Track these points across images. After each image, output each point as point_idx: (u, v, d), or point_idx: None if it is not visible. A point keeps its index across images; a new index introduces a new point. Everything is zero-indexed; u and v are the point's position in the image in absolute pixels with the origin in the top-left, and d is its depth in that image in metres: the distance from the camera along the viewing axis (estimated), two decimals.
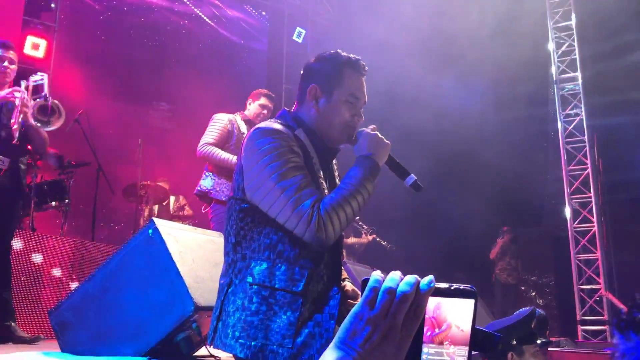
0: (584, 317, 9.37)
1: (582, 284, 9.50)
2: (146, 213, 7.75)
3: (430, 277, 0.85)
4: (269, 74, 12.01)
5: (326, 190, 2.13)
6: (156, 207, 8.10)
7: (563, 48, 10.07)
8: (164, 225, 3.02)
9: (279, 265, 1.97)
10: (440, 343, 0.86)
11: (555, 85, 10.07)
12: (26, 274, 4.96)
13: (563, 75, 10.04)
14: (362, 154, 2.10)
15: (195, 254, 3.08)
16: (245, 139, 2.07)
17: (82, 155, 6.95)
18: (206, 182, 4.73)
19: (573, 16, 9.99)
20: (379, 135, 2.14)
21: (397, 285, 0.83)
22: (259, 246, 2.00)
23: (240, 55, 11.69)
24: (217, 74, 10.58)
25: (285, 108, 2.28)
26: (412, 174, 2.16)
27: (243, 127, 4.82)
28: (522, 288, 10.04)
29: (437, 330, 0.86)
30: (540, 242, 10.33)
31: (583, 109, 9.83)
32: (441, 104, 11.00)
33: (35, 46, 7.74)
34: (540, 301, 9.82)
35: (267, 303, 1.92)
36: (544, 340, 2.91)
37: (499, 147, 11.15)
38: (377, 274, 0.84)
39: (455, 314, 0.86)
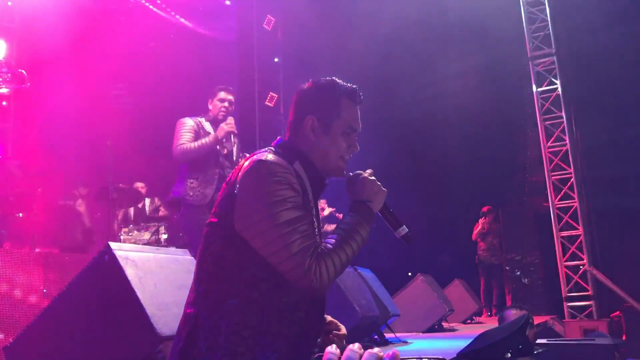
0: (569, 294, 9.33)
1: (566, 261, 9.45)
2: (120, 217, 7.52)
3: (397, 352, 0.78)
4: (240, 64, 11.75)
5: (316, 229, 2.05)
6: (132, 210, 7.87)
7: (536, 24, 9.91)
8: (120, 249, 2.81)
9: (261, 304, 1.86)
10: None
11: (530, 62, 9.92)
12: None
13: (537, 52, 9.90)
14: (358, 198, 2.05)
15: (158, 277, 2.87)
16: (245, 169, 1.95)
17: (48, 161, 6.69)
18: (180, 187, 4.68)
19: None
20: (377, 181, 2.09)
21: None
22: (239, 281, 1.87)
23: (208, 48, 11.36)
24: (185, 66, 10.27)
25: (280, 137, 2.18)
26: (404, 225, 2.10)
27: (208, 128, 4.82)
28: (507, 268, 9.97)
29: None
30: (523, 220, 10.25)
31: (559, 85, 9.71)
32: (417, 82, 10.87)
33: None
34: (526, 280, 9.77)
35: (246, 344, 1.82)
36: (540, 350, 2.72)
37: (477, 127, 11.06)
38: (331, 350, 0.78)
39: None
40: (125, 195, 7.51)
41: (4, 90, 4.16)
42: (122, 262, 2.74)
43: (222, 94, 4.92)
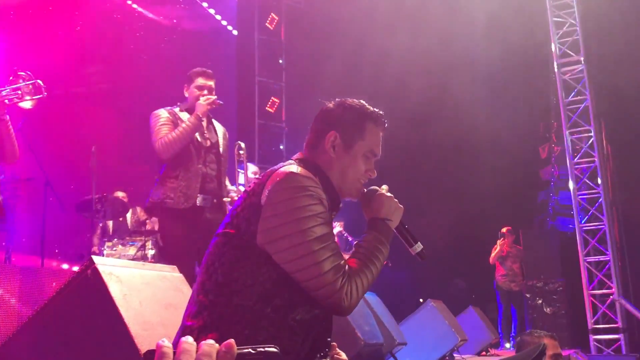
0: (596, 326, 9.34)
1: (593, 289, 9.46)
2: (99, 231, 7.56)
3: (231, 341, 0.81)
4: (239, 65, 11.87)
5: None
6: (110, 224, 7.91)
7: (564, 28, 9.98)
8: (104, 264, 2.89)
9: (273, 320, 1.94)
10: None
11: (556, 70, 9.99)
12: None
13: (564, 59, 9.96)
14: (376, 216, 2.18)
15: (143, 295, 2.95)
16: (275, 179, 2.03)
17: (26, 168, 6.79)
18: (158, 190, 4.50)
19: None
20: (394, 198, 2.22)
21: (192, 357, 0.79)
22: (252, 295, 1.95)
23: (206, 45, 11.50)
24: (180, 67, 10.38)
25: (300, 152, 2.29)
26: (419, 242, 2.24)
27: (185, 117, 4.60)
28: (528, 295, 10.00)
29: None
30: (546, 244, 10.28)
31: (588, 95, 9.76)
32: (432, 92, 10.94)
33: None
34: (548, 309, 9.79)
35: None
36: None
37: (498, 140, 11.10)
38: (164, 343, 0.79)
39: None
40: (110, 206, 7.58)
41: (28, 104, 4.22)
42: (105, 278, 2.82)
43: (200, 80, 4.69)
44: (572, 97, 9.88)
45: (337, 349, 2.24)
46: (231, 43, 12.26)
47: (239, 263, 1.98)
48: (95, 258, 2.87)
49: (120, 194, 8.07)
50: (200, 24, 11.83)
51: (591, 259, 9.53)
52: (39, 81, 4.21)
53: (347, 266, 1.99)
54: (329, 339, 2.14)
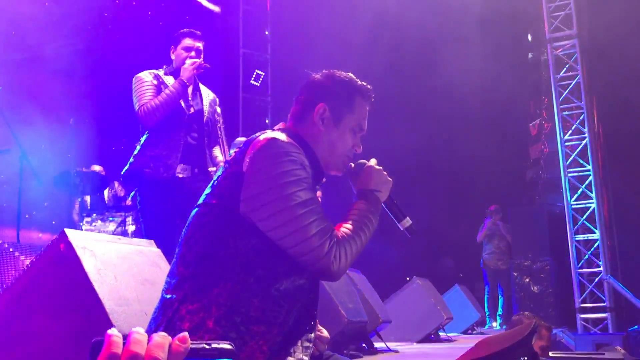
0: (583, 305, 9.44)
1: (581, 268, 9.55)
2: (77, 206, 7.50)
3: (185, 334, 0.78)
4: (223, 36, 11.73)
5: None
6: (88, 199, 7.84)
7: (556, 2, 9.93)
8: (78, 238, 2.84)
9: (256, 290, 1.92)
10: None
11: (548, 45, 9.96)
12: None
13: (556, 34, 9.93)
14: (365, 187, 2.18)
15: (118, 269, 2.91)
16: (256, 146, 2.01)
17: (1, 140, 6.69)
18: (138, 158, 4.35)
19: None
20: (383, 171, 2.22)
21: (144, 350, 0.75)
22: (234, 265, 1.92)
23: (189, 16, 11.35)
24: (161, 37, 10.26)
25: (283, 123, 2.26)
26: (408, 217, 2.23)
27: (170, 81, 4.46)
28: (515, 274, 10.05)
29: None
30: (534, 221, 10.32)
31: (580, 71, 9.75)
32: (429, 70, 10.91)
33: None
34: (535, 288, 9.84)
35: (238, 330, 1.88)
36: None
37: (486, 117, 11.09)
38: (113, 333, 0.75)
39: None
40: (89, 180, 7.51)
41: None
42: (79, 252, 2.77)
43: (187, 41, 4.52)
44: (564, 72, 9.87)
45: (318, 325, 2.24)
46: (215, 14, 12.10)
47: (221, 233, 1.96)
48: (68, 231, 2.82)
49: (97, 168, 8.01)
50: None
51: (580, 237, 9.60)
52: None
53: (334, 230, 1.98)
54: (315, 312, 2.11)
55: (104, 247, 2.97)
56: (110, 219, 7.51)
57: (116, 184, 8.13)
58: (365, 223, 2.06)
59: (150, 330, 2.00)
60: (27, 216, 7.47)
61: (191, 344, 0.78)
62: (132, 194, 4.55)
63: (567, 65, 9.86)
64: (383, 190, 2.19)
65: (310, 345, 2.01)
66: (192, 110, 4.52)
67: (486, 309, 10.68)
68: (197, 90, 4.65)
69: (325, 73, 2.29)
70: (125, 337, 0.76)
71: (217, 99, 4.85)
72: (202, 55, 4.54)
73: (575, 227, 9.62)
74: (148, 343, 0.75)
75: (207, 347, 0.79)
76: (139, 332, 0.76)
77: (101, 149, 8.91)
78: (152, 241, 3.42)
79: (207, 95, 4.71)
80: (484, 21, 10.54)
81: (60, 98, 8.89)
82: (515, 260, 10.17)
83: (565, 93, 9.81)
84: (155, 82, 4.41)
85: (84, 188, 7.51)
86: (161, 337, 0.76)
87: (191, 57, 4.45)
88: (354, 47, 10.83)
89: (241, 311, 1.89)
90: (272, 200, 1.92)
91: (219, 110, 4.80)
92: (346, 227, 2.02)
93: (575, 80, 9.77)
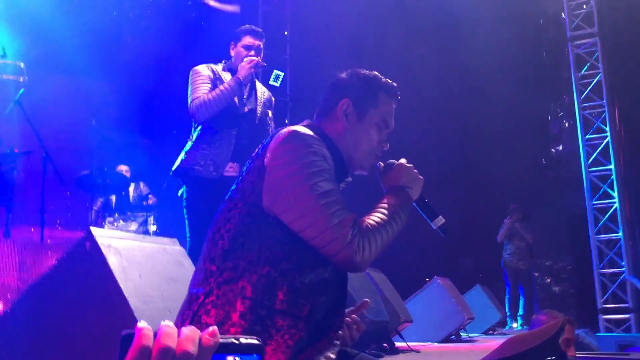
0: (605, 305, 9.34)
1: (603, 268, 9.46)
2: (99, 204, 7.57)
3: (215, 329, 0.77)
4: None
5: None
6: (113, 198, 7.93)
7: (577, 0, 9.86)
8: (103, 236, 2.87)
9: (281, 285, 1.92)
10: None
11: (569, 43, 9.88)
12: None
13: (577, 32, 9.85)
14: (395, 184, 2.16)
15: (143, 268, 2.93)
16: (278, 139, 2.02)
17: (25, 142, 6.76)
18: (190, 155, 4.29)
19: None
20: (414, 169, 2.20)
21: (174, 343, 0.74)
22: (259, 259, 1.93)
23: (209, 16, 11.40)
24: (182, 38, 10.32)
25: (307, 120, 2.26)
26: (441, 216, 2.22)
27: (227, 77, 4.38)
28: (536, 274, 9.99)
29: None
30: (555, 221, 10.25)
31: (601, 69, 9.67)
32: (445, 70, 10.87)
33: None
34: (557, 288, 9.80)
35: (263, 324, 1.88)
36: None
37: (506, 116, 11.02)
38: (143, 326, 0.74)
39: None
40: (112, 180, 7.58)
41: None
42: (104, 250, 2.80)
43: (248, 39, 4.42)
44: (585, 71, 9.80)
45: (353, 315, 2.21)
46: (233, 15, 12.14)
47: (245, 227, 1.97)
48: (94, 230, 2.85)
49: (123, 168, 8.09)
50: None
51: (602, 237, 9.51)
52: None
53: (358, 221, 1.95)
54: (343, 308, 2.10)
55: (128, 245, 2.99)
56: (132, 218, 7.58)
57: (142, 184, 8.20)
58: (393, 217, 2.02)
59: (177, 324, 2.02)
60: (50, 216, 7.55)
61: (220, 337, 0.78)
62: (181, 190, 4.44)
63: (588, 64, 9.79)
64: (414, 187, 2.17)
65: (338, 342, 2.00)
66: (245, 109, 4.44)
67: (507, 310, 10.61)
68: (253, 88, 4.56)
69: (350, 71, 2.29)
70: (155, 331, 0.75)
71: (273, 99, 4.79)
72: (261, 54, 4.46)
73: (597, 227, 9.53)
74: (178, 337, 0.75)
75: (235, 342, 0.79)
76: (170, 326, 0.75)
77: (123, 149, 8.97)
78: (176, 240, 3.45)
79: (262, 94, 4.64)
80: (503, 19, 10.46)
81: (82, 99, 8.99)
82: (537, 260, 10.11)
83: (587, 92, 9.74)
84: (212, 76, 4.34)
85: (107, 188, 7.59)
86: (191, 330, 0.76)
87: (250, 56, 4.36)
88: (373, 47, 10.83)
89: (266, 304, 1.89)
90: (293, 192, 1.91)
91: (270, 113, 4.70)
92: (372, 219, 1.99)
93: (597, 78, 9.69)
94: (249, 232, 1.96)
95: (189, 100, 4.29)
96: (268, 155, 2.00)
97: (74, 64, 9.16)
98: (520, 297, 10.58)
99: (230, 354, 0.79)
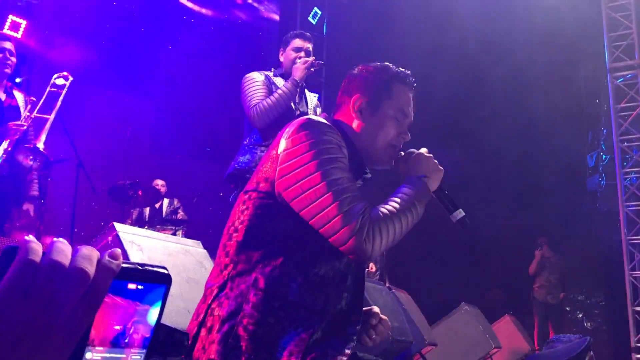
0: (639, 345, 9.07)
1: (637, 305, 9.21)
2: (134, 215, 7.66)
3: (117, 250, 0.70)
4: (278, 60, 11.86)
5: None
6: (147, 210, 8.01)
7: (619, 31, 9.75)
8: (126, 232, 2.87)
9: (295, 276, 1.90)
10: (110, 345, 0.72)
11: (608, 75, 9.76)
12: None
13: (617, 64, 9.73)
14: (414, 174, 2.09)
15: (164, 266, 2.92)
16: (290, 127, 2.01)
17: (59, 149, 6.87)
18: (246, 157, 4.19)
19: None
20: (434, 159, 2.14)
21: (68, 260, 0.64)
22: (273, 251, 1.91)
23: (247, 37, 11.55)
24: (220, 58, 10.45)
25: (325, 113, 2.25)
26: (461, 209, 2.13)
27: (280, 83, 4.30)
28: (567, 308, 9.76)
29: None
30: (589, 255, 10.03)
31: None
32: (482, 97, 10.81)
33: (15, 26, 7.72)
34: (589, 324, 9.55)
35: (276, 316, 1.85)
36: None
37: (544, 148, 10.89)
38: (31, 239, 0.65)
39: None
40: (144, 192, 7.66)
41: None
42: (126, 246, 2.80)
43: (297, 42, 4.38)
44: (625, 103, 9.65)
45: (380, 314, 2.18)
46: (272, 37, 12.28)
47: (259, 219, 1.95)
48: (117, 225, 2.85)
49: (159, 182, 8.19)
50: (242, 16, 11.88)
51: (637, 273, 9.27)
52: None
53: (370, 209, 1.90)
54: (360, 304, 2.06)
55: (151, 243, 2.99)
56: (162, 231, 7.64)
57: (176, 200, 8.27)
58: (408, 207, 1.96)
59: (193, 320, 2.00)
60: (80, 224, 7.63)
61: (123, 262, 0.71)
62: (232, 196, 4.36)
63: (628, 96, 9.64)
64: (433, 177, 2.09)
65: (354, 338, 1.95)
66: (298, 112, 4.35)
67: (536, 343, 10.37)
68: (302, 93, 4.51)
69: (360, 66, 2.27)
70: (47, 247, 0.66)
71: (320, 105, 4.75)
72: (311, 56, 4.38)
73: (632, 264, 9.29)
74: (73, 255, 0.66)
75: (140, 267, 0.73)
76: (63, 242, 0.67)
77: (157, 162, 9.07)
78: (199, 242, 3.44)
79: (312, 99, 4.61)
80: (542, 47, 10.40)
81: (117, 109, 9.13)
82: (568, 294, 9.89)
83: (626, 124, 9.58)
84: (266, 82, 4.27)
85: (139, 200, 7.66)
86: (89, 249, 0.67)
87: (302, 57, 4.31)
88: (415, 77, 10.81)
89: (279, 296, 1.86)
90: (304, 178, 1.88)
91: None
92: (385, 208, 1.94)
93: (637, 111, 9.53)
94: (262, 224, 1.94)
95: (247, 106, 4.20)
96: (281, 143, 1.98)
97: (111, 74, 9.35)
98: (550, 331, 10.35)
99: (134, 281, 0.73)
